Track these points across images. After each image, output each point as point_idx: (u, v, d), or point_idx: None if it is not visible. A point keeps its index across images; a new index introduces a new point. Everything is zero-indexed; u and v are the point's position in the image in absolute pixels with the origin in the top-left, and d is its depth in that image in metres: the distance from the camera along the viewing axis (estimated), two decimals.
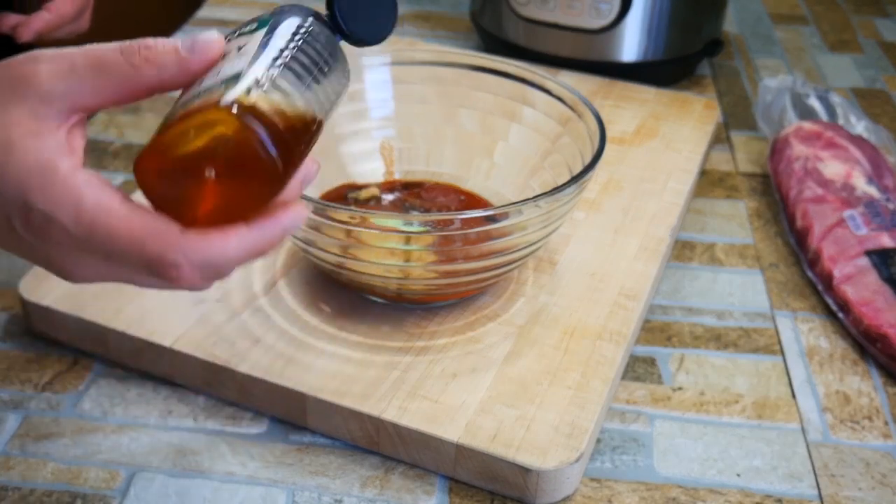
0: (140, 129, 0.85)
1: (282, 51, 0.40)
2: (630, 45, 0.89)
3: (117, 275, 0.39)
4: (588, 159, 0.59)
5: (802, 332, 0.65)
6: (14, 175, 0.37)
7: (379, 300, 0.60)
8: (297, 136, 0.39)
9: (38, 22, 0.73)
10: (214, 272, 0.38)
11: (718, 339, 0.63)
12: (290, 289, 0.61)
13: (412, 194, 0.67)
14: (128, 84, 0.39)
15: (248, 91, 0.38)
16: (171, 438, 0.55)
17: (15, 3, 0.77)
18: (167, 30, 1.05)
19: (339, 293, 0.61)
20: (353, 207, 0.60)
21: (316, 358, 0.56)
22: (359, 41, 0.45)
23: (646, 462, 0.54)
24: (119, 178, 0.77)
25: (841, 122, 0.81)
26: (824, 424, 0.57)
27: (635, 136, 0.80)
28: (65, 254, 0.39)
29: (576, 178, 0.55)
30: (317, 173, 0.42)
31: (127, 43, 0.38)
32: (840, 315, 0.65)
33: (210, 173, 0.37)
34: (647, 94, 0.87)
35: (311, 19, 0.43)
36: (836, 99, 0.83)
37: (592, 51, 0.90)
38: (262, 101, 0.38)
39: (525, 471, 0.50)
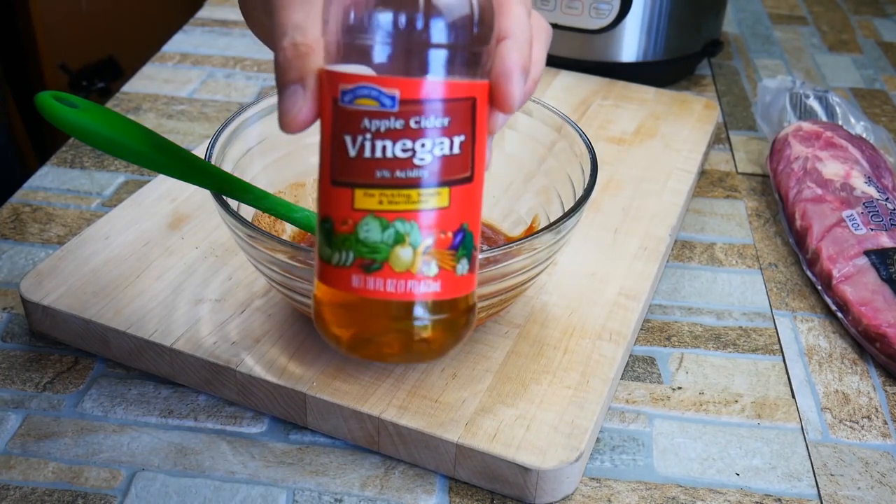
0: None
1: None
2: (630, 45, 0.90)
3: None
4: (581, 173, 0.58)
5: (802, 331, 0.65)
6: None
7: None
8: None
9: None
10: None
11: (718, 339, 0.64)
12: None
13: None
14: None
15: None
16: (172, 438, 0.55)
17: None
18: (167, 29, 1.06)
19: None
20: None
21: (316, 358, 0.56)
22: None
23: (645, 461, 0.54)
24: (120, 178, 0.77)
25: (840, 122, 0.81)
26: (823, 424, 0.57)
27: (635, 136, 0.80)
28: None
29: (554, 224, 0.53)
30: None
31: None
32: (839, 315, 0.65)
33: None
34: (646, 94, 0.87)
35: None
36: (835, 99, 0.83)
37: (592, 51, 0.90)
38: None
39: (525, 470, 0.50)
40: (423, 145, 0.37)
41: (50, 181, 0.77)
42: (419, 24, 0.37)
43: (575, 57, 0.90)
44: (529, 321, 0.60)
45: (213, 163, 0.55)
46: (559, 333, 0.59)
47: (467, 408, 0.53)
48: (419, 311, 0.38)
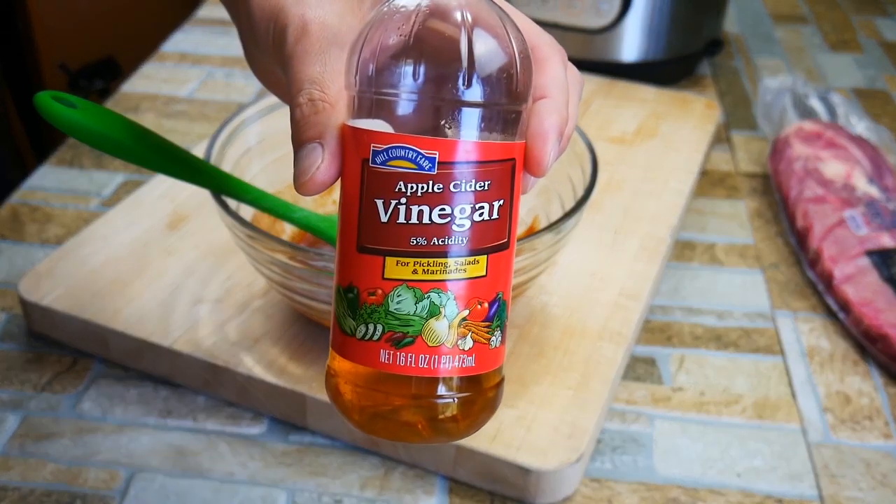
0: None
1: None
2: (630, 44, 0.89)
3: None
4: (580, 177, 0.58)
5: (803, 332, 0.65)
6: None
7: None
8: None
9: None
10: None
11: (719, 340, 0.63)
12: None
13: None
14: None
15: None
16: (171, 439, 0.55)
17: None
18: (166, 29, 1.06)
19: None
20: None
21: (316, 358, 0.56)
22: None
23: (646, 462, 0.54)
24: (119, 178, 0.77)
25: (841, 122, 0.81)
26: (825, 425, 0.57)
27: (636, 136, 0.80)
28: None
29: (554, 225, 0.53)
30: None
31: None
32: (840, 315, 0.65)
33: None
34: (647, 93, 0.87)
35: None
36: (836, 99, 0.82)
37: (593, 51, 0.90)
38: None
39: (525, 471, 0.50)
40: (462, 210, 0.34)
41: (49, 181, 0.77)
42: (462, 81, 0.34)
43: (575, 56, 0.90)
44: (529, 322, 0.59)
45: (212, 163, 0.55)
46: (559, 334, 0.59)
47: None
48: (451, 387, 0.35)
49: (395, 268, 0.34)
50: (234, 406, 0.57)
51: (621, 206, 0.71)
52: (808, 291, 0.68)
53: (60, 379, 0.58)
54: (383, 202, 0.34)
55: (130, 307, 0.59)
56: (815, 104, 0.82)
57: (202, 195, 0.69)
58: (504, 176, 0.35)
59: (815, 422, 0.57)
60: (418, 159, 0.34)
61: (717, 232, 0.74)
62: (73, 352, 0.60)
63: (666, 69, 0.93)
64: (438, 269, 0.34)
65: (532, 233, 0.57)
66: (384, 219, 0.34)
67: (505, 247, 0.36)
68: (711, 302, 0.67)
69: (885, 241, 0.66)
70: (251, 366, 0.55)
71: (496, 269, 0.36)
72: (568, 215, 0.53)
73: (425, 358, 0.35)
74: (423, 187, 0.34)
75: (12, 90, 1.21)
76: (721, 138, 0.87)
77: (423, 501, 0.51)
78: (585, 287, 0.62)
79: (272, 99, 0.62)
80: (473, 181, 0.34)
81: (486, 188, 0.34)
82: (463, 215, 0.34)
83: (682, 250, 0.72)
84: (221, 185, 0.51)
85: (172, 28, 1.05)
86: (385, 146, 0.34)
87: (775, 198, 0.77)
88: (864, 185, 0.71)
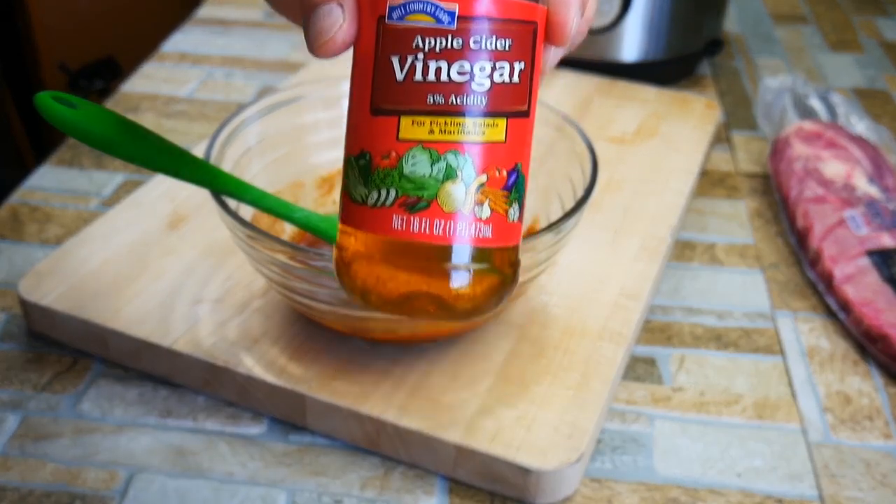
0: None
1: None
2: (630, 44, 0.89)
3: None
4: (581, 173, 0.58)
5: (803, 332, 0.64)
6: None
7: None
8: None
9: None
10: None
11: (719, 340, 0.63)
12: None
13: None
14: None
15: None
16: (171, 439, 0.55)
17: None
18: (166, 28, 1.05)
19: None
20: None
21: (315, 358, 0.56)
22: None
23: (646, 462, 0.54)
24: (119, 178, 0.77)
25: (842, 121, 0.81)
26: (825, 425, 0.57)
27: (636, 136, 0.80)
28: None
29: (554, 225, 0.53)
30: None
31: None
32: (841, 315, 0.65)
33: None
34: (647, 93, 0.87)
35: None
36: (836, 99, 0.82)
37: (593, 50, 0.90)
38: None
39: (525, 471, 0.50)
40: (482, 68, 0.33)
41: (48, 181, 0.77)
42: None
43: (576, 56, 0.90)
44: (529, 321, 0.59)
45: (212, 163, 0.55)
46: (559, 334, 0.59)
47: (467, 409, 0.53)
48: (467, 257, 0.34)
49: (411, 128, 0.33)
50: (234, 406, 0.57)
51: (621, 206, 0.71)
52: (808, 291, 0.68)
53: (60, 379, 0.58)
54: (399, 59, 0.33)
55: (130, 307, 0.59)
56: (815, 104, 0.82)
57: (202, 195, 0.69)
58: (525, 38, 0.34)
59: (815, 422, 0.57)
60: (437, 13, 0.33)
61: (717, 232, 0.74)
62: (73, 352, 0.60)
63: (666, 69, 0.92)
64: (456, 128, 0.33)
65: (532, 233, 0.57)
66: (400, 77, 0.33)
67: (525, 114, 0.35)
68: (711, 302, 0.67)
69: (886, 241, 0.66)
70: (251, 366, 0.55)
71: (515, 136, 0.35)
72: (568, 215, 0.53)
73: (440, 224, 0.34)
74: (441, 42, 0.33)
75: (12, 90, 1.21)
76: (721, 138, 0.87)
77: (423, 501, 0.51)
78: (585, 287, 0.62)
79: (272, 99, 0.62)
80: (494, 38, 0.33)
81: (506, 48, 0.34)
82: (483, 73, 0.33)
83: (682, 250, 0.72)
84: (221, 185, 0.51)
85: (172, 28, 1.05)
86: (402, 0, 0.33)
87: (775, 198, 0.77)
88: (864, 185, 0.71)
